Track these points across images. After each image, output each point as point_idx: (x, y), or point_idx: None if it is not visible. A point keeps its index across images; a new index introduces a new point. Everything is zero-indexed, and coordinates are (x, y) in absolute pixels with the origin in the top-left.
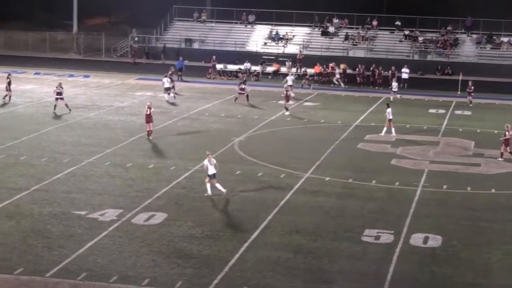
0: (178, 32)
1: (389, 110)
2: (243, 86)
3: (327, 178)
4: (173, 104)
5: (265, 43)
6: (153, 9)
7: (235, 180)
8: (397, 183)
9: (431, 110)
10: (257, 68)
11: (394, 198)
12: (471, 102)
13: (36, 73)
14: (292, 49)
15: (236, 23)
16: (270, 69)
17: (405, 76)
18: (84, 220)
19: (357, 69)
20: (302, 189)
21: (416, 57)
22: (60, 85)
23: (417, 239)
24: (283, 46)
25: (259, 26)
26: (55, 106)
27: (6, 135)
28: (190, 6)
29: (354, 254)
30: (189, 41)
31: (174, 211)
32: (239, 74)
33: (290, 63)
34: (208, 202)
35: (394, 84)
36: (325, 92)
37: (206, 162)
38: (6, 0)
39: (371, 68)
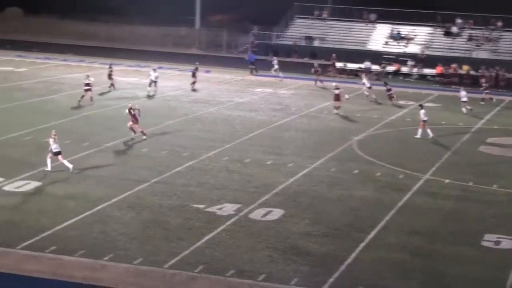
0: (299, 30)
1: (423, 111)
2: (388, 87)
3: (446, 181)
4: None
5: (386, 42)
6: (275, 6)
7: (353, 179)
8: None
9: None
10: (377, 67)
11: None
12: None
13: (158, 68)
14: (413, 48)
15: (357, 21)
16: (390, 68)
17: None
18: (203, 213)
19: (479, 71)
20: (420, 191)
21: None
22: (88, 77)
23: None
24: (404, 45)
25: (380, 25)
26: (83, 96)
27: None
28: (311, 4)
29: (473, 259)
30: (309, 38)
31: (292, 208)
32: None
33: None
34: (326, 200)
35: None
36: (446, 94)
37: (51, 140)
38: None
39: (495, 71)
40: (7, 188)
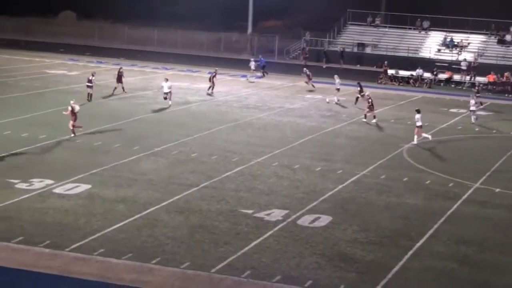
0: (351, 36)
1: (418, 116)
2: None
3: (497, 190)
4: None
5: (439, 50)
6: (328, 12)
7: (402, 187)
8: None
9: None
10: (429, 75)
11: None
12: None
13: (209, 72)
14: (466, 56)
15: (410, 28)
16: (442, 76)
17: None
18: (251, 218)
19: None
20: (470, 200)
21: None
22: (92, 74)
23: None
24: (457, 53)
25: (433, 32)
26: (89, 94)
27: (180, 132)
28: (364, 11)
29: None
30: (361, 45)
31: (340, 215)
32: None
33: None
34: (374, 208)
35: None
36: (499, 102)
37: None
38: (185, 2)
39: None
40: (57, 190)
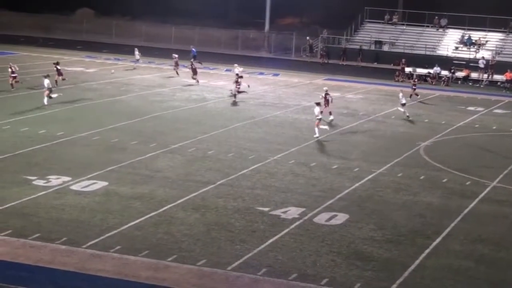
0: (369, 34)
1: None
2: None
3: None
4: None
5: (456, 48)
6: (345, 10)
7: (419, 185)
8: None
9: None
10: (447, 73)
11: None
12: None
13: (226, 70)
14: (484, 54)
15: (428, 26)
16: (460, 74)
17: None
18: (267, 216)
19: None
20: (487, 198)
21: None
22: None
23: None
24: (475, 51)
25: (451, 30)
26: (56, 82)
27: (197, 129)
28: (381, 8)
29: None
30: (379, 43)
31: (356, 213)
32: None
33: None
34: (391, 206)
35: None
36: None
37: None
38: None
39: None
40: (74, 187)
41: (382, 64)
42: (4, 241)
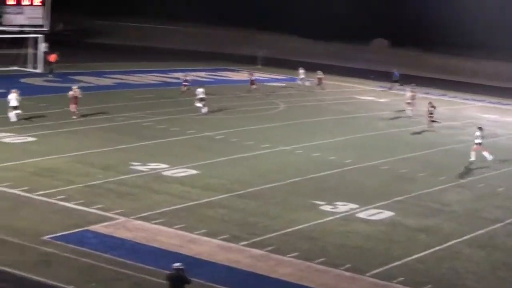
0: None
1: (478, 133)
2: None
3: None
4: None
5: None
6: None
7: None
8: None
9: None
10: None
11: None
12: None
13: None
14: None
15: None
16: None
17: None
18: None
19: None
20: None
21: None
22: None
23: None
24: None
25: None
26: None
27: (486, 164)
28: None
29: None
30: None
31: None
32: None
33: None
34: None
35: None
36: None
37: None
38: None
39: None
40: (360, 215)
41: None
42: (290, 263)
